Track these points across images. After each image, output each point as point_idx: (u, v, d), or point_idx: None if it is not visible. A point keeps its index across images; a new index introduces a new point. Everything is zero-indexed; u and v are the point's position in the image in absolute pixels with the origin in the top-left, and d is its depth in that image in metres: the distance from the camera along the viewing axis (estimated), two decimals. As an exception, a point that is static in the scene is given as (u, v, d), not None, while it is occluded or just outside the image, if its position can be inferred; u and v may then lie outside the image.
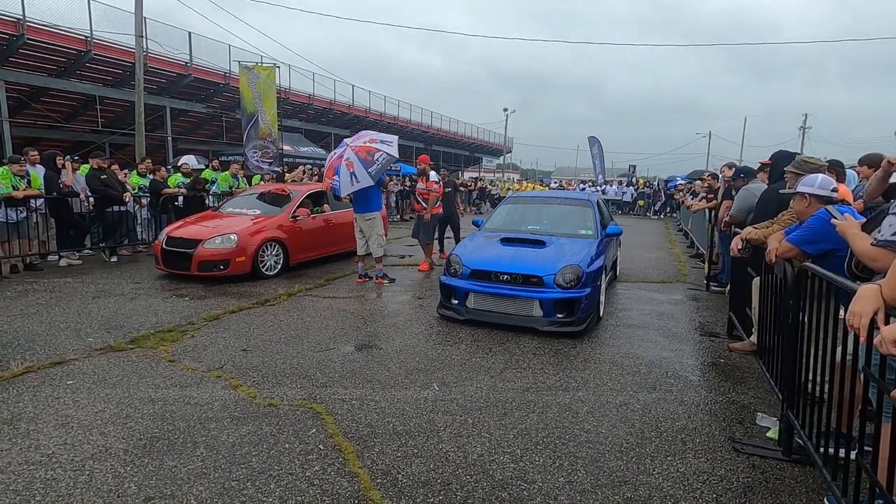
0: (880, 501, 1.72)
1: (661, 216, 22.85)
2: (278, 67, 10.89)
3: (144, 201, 9.05)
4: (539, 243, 5.47)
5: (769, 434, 2.98)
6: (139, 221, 9.11)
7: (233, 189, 10.22)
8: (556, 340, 4.64)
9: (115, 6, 14.92)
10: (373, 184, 6.54)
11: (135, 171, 9.63)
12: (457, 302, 5.13)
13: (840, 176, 4.63)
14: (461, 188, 21.18)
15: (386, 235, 7.86)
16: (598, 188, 26.02)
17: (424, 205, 7.90)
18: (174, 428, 2.90)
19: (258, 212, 7.58)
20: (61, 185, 7.55)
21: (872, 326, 1.57)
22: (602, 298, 5.41)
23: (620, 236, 6.88)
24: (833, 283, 2.16)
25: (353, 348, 4.36)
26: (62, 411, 3.07)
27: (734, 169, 6.57)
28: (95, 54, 14.49)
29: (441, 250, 8.81)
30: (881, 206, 2.54)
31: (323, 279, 7.09)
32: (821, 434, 2.33)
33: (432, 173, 8.02)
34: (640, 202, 24.93)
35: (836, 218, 2.35)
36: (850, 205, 3.81)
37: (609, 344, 4.65)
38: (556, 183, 34.64)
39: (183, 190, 9.19)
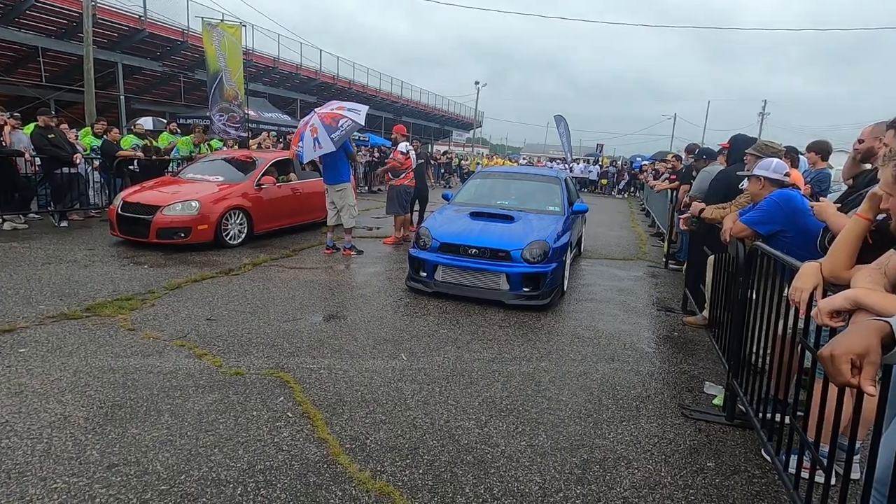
0: (808, 455, 1.91)
1: (626, 195, 23.42)
2: (244, 26, 10.33)
3: (97, 163, 8.56)
4: (507, 218, 5.54)
5: (715, 401, 3.20)
6: (91, 185, 8.63)
7: (193, 154, 9.80)
8: (521, 313, 4.77)
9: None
10: (334, 149, 6.40)
11: (87, 131, 9.07)
12: (425, 275, 5.18)
13: (794, 161, 4.87)
14: (432, 161, 21.00)
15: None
16: (566, 166, 26.34)
17: (393, 177, 7.84)
18: (136, 396, 2.85)
19: (221, 178, 7.32)
20: (1, 143, 7.05)
21: (812, 300, 1.70)
22: (567, 273, 5.57)
23: (586, 214, 7.05)
24: (780, 262, 2.31)
25: (321, 319, 4.36)
26: (15, 380, 2.96)
27: (697, 150, 6.79)
28: (37, 1, 13.35)
29: (413, 223, 8.80)
30: (859, 191, 2.68)
31: (289, 249, 6.97)
32: (760, 401, 2.53)
33: (401, 144, 7.93)
34: (604, 181, 25.43)
35: (812, 203, 2.48)
36: (800, 189, 4.05)
37: (572, 317, 4.82)
38: (524, 159, 34.83)
39: (139, 153, 8.74)
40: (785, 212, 2.85)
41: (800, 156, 5.30)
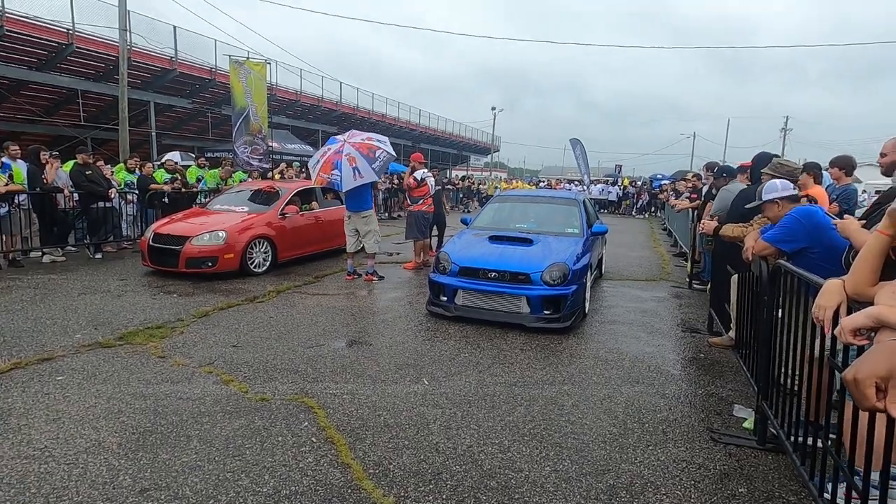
0: (844, 482, 1.84)
1: (646, 215, 23.18)
2: (269, 63, 10.82)
3: (131, 197, 8.95)
4: (526, 241, 5.57)
5: (745, 424, 3.11)
6: (124, 218, 9.01)
7: (220, 186, 10.16)
8: (542, 336, 4.74)
9: (98, -1, 14.66)
10: (376, 179, 6.77)
11: (121, 167, 9.52)
12: (445, 299, 5.21)
13: (817, 178, 4.80)
14: (448, 186, 21.26)
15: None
16: (584, 188, 26.28)
17: (411, 203, 8.01)
18: (167, 422, 2.93)
19: (246, 209, 7.57)
20: (44, 181, 7.46)
21: (837, 318, 1.68)
22: (588, 295, 5.53)
23: (606, 235, 7.02)
24: (804, 280, 2.28)
25: (344, 344, 4.41)
26: (53, 406, 3.07)
27: (717, 168, 6.74)
28: (77, 47, 14.24)
29: (433, 248, 8.90)
30: (883, 207, 2.66)
31: (312, 276, 7.11)
32: (792, 424, 2.46)
33: (417, 172, 8.10)
34: (626, 202, 25.26)
35: (836, 220, 2.47)
36: (825, 206, 3.99)
37: (594, 340, 4.77)
38: (544, 182, 34.89)
39: (168, 187, 9.11)
40: (807, 228, 2.82)
41: (824, 172, 5.22)
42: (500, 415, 3.17)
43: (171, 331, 4.57)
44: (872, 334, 1.37)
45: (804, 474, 2.17)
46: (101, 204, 8.04)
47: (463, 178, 28.04)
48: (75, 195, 7.89)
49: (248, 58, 10.79)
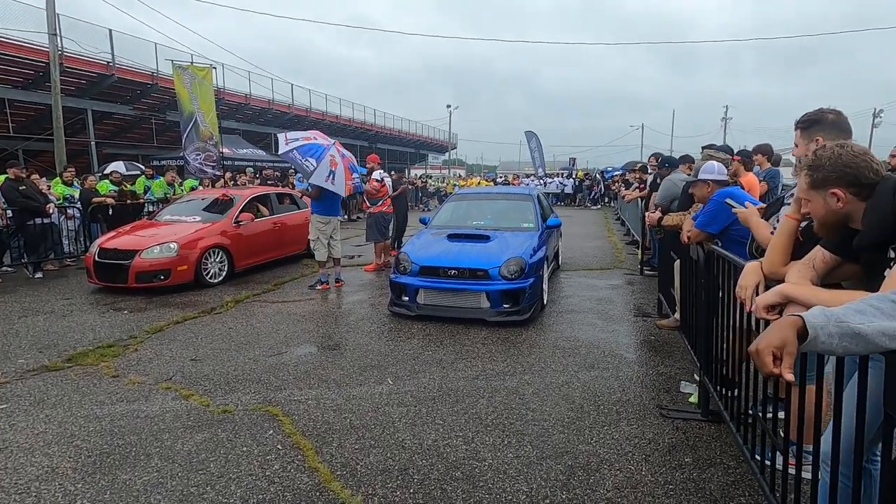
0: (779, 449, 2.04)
1: (600, 206, 23.94)
2: (214, 68, 10.49)
3: (71, 212, 8.50)
4: (484, 238, 5.70)
5: (691, 399, 3.34)
6: (65, 233, 8.54)
7: (168, 196, 9.80)
8: (503, 329, 4.88)
9: (22, 1, 13.77)
10: (342, 196, 6.72)
11: (57, 180, 9.02)
12: (407, 299, 5.27)
13: (748, 165, 5.16)
14: (409, 186, 21.24)
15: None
16: (540, 182, 26.86)
17: (371, 204, 8.00)
18: (125, 442, 2.85)
19: (199, 218, 7.35)
20: (-28, 198, 6.99)
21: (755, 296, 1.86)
22: (545, 287, 5.72)
23: (561, 227, 7.25)
24: (732, 263, 2.48)
25: (306, 350, 4.40)
26: (-2, 436, 2.94)
27: (660, 159, 7.09)
28: (2, 54, 13.34)
29: (394, 248, 8.90)
30: (778, 195, 2.91)
31: (271, 284, 7.00)
32: (727, 397, 2.67)
33: (375, 173, 8.11)
34: (580, 195, 26.01)
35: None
36: (755, 191, 4.30)
37: (552, 329, 4.95)
38: (501, 178, 35.39)
39: (110, 199, 8.70)
40: (725, 208, 3.05)
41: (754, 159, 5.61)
42: (464, 408, 3.27)
43: (124, 349, 4.42)
44: (781, 310, 1.53)
45: (739, 439, 2.38)
46: (38, 220, 7.61)
47: (421, 177, 28.10)
48: (9, 212, 7.43)
49: (192, 63, 10.42)
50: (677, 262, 4.09)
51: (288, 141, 6.57)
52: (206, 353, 4.30)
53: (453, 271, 5.15)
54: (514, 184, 25.60)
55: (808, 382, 1.85)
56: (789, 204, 2.25)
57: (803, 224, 1.86)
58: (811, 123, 2.09)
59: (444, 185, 27.12)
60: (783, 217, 1.93)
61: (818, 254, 1.68)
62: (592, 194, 25.11)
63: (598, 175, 27.28)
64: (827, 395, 1.88)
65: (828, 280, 1.67)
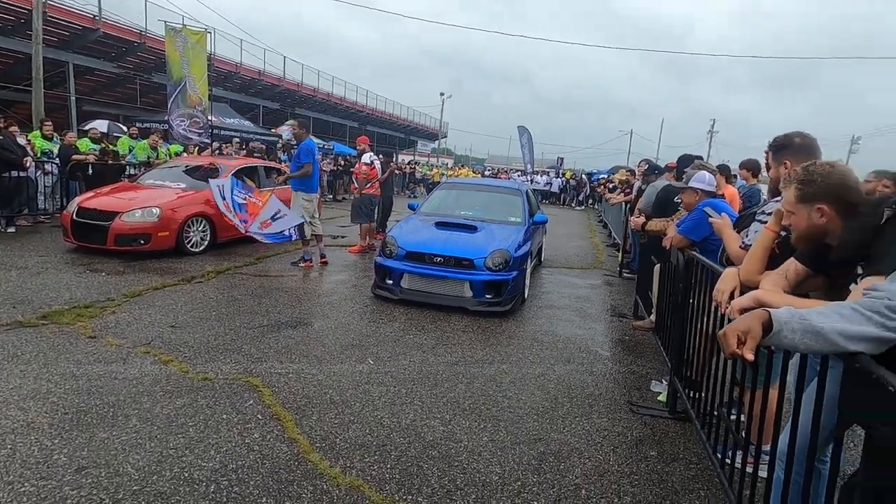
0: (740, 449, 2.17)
1: (585, 207, 24.26)
2: (209, 33, 10.21)
3: (49, 168, 8.25)
4: (471, 228, 5.77)
5: (660, 398, 3.49)
6: (41, 189, 8.30)
7: (151, 160, 9.58)
8: (483, 319, 4.97)
9: (7, -57, 13.13)
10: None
11: (37, 133, 8.72)
12: (391, 282, 5.31)
13: (728, 178, 5.34)
14: (396, 172, 21.16)
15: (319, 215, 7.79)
16: (528, 178, 27.04)
17: (358, 186, 7.99)
18: (103, 402, 2.85)
19: (183, 185, 7.23)
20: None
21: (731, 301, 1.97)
22: (527, 282, 5.83)
23: (546, 225, 7.37)
24: (711, 270, 2.60)
25: (288, 325, 4.41)
26: (-30, 388, 2.90)
27: (647, 166, 7.25)
28: (-18, -4, 12.76)
29: (379, 231, 8.90)
30: (750, 210, 3.04)
31: (253, 257, 6.95)
32: (694, 397, 2.81)
33: (365, 155, 8.08)
34: (566, 195, 26.30)
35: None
36: (735, 204, 4.46)
37: (531, 323, 5.07)
38: (489, 171, 35.47)
39: (92, 156, 8.47)
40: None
41: (735, 174, 5.80)
42: (442, 392, 3.35)
43: (102, 310, 4.36)
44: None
45: (703, 436, 2.51)
46: (13, 173, 7.37)
47: (409, 163, 27.97)
48: (-17, 162, 7.18)
49: (185, 25, 10.12)
50: (657, 267, 4.23)
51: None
52: (186, 321, 4.28)
53: (439, 258, 5.21)
54: (501, 178, 25.72)
55: (771, 385, 1.98)
56: (761, 220, 2.37)
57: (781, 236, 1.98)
58: (780, 148, 2.22)
59: (432, 173, 27.05)
60: (763, 229, 2.04)
61: (791, 265, 1.79)
62: (579, 195, 25.40)
63: (584, 176, 27.59)
64: (786, 402, 2.01)
65: (797, 291, 1.79)
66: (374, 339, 4.21)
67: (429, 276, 5.21)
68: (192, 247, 6.74)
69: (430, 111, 48.88)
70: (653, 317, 4.50)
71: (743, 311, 1.65)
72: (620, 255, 8.28)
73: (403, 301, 5.23)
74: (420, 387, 3.40)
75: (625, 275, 7.69)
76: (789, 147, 2.24)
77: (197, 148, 10.63)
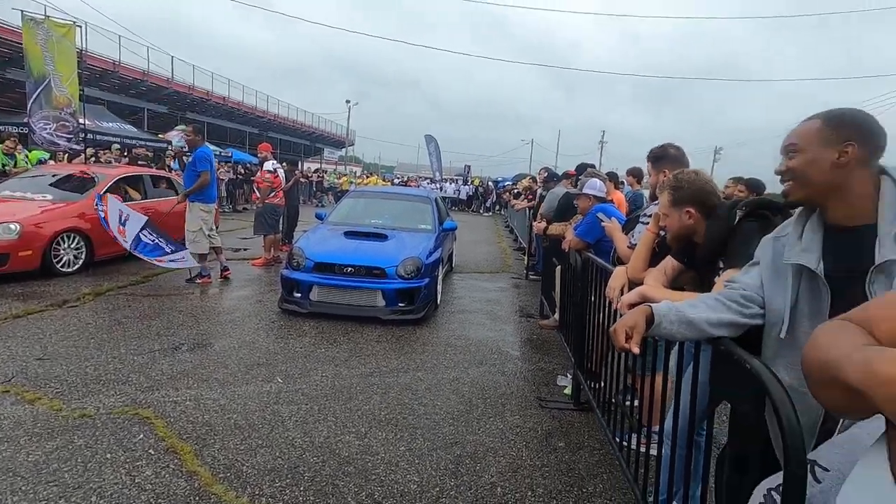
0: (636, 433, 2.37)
1: (492, 213, 25.21)
2: (79, 26, 9.08)
3: None
4: (381, 236, 5.73)
5: (566, 391, 3.71)
6: None
7: (6, 168, 8.31)
8: (397, 328, 4.95)
9: None
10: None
11: None
12: (300, 295, 5.10)
13: (617, 184, 5.86)
14: (302, 180, 20.42)
15: (217, 227, 7.27)
16: (437, 186, 27.50)
17: (261, 196, 7.59)
18: (-54, 456, 2.40)
19: (49, 197, 6.36)
20: None
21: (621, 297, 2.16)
22: (439, 288, 5.91)
23: (456, 231, 7.54)
24: (604, 269, 2.83)
25: (185, 348, 4.05)
26: None
27: (547, 174, 7.73)
28: None
29: (284, 243, 8.51)
30: (636, 213, 3.37)
31: (140, 276, 6.29)
32: (595, 388, 3.04)
33: (267, 163, 7.72)
34: (476, 200, 27.15)
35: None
36: (622, 208, 4.89)
37: (445, 328, 5.14)
38: (399, 179, 35.52)
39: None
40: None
41: (622, 181, 6.38)
42: (357, 405, 3.27)
43: (-57, 346, 3.68)
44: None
45: (603, 422, 2.72)
46: None
47: (316, 171, 27.13)
48: None
49: (47, 17, 8.91)
50: (559, 268, 4.51)
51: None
52: (58, 352, 3.75)
53: (349, 268, 5.10)
54: (411, 186, 25.89)
55: (657, 371, 2.20)
56: (645, 222, 2.64)
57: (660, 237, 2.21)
58: (658, 158, 2.52)
59: (340, 181, 26.51)
60: (644, 230, 2.27)
61: (669, 262, 2.01)
62: (486, 202, 26.33)
63: (490, 184, 28.69)
64: (670, 384, 2.24)
65: (674, 284, 2.01)
66: (282, 357, 4.01)
67: (339, 286, 5.08)
68: (63, 266, 5.94)
69: (337, 118, 47.78)
70: (556, 315, 4.79)
71: (631, 305, 1.82)
72: (526, 258, 8.70)
73: (313, 314, 5.04)
74: (333, 402, 3.29)
75: (531, 277, 8.10)
76: (666, 157, 2.53)
77: (67, 155, 9.41)
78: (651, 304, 1.40)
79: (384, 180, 30.97)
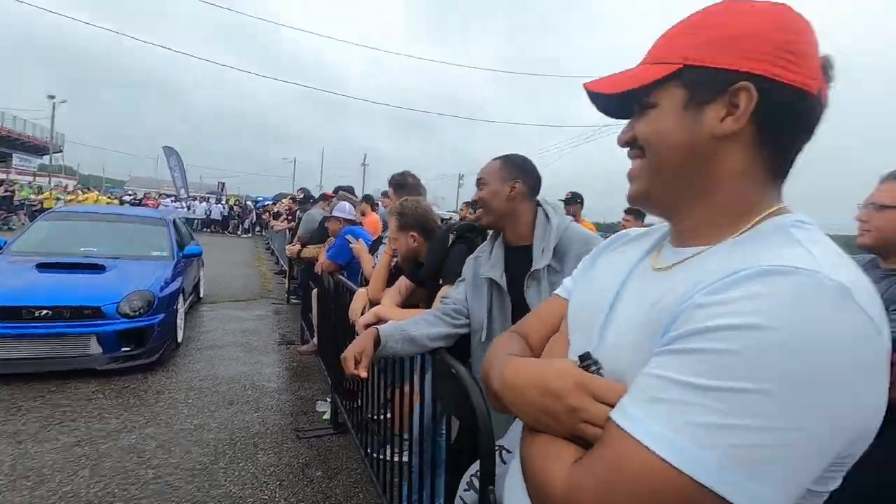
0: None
1: (252, 234, 23.43)
2: None
3: None
4: (97, 267, 4.68)
5: (325, 416, 3.65)
6: None
7: None
8: (122, 377, 4.08)
9: None
10: None
11: None
12: (-40, 354, 3.71)
13: (373, 206, 6.16)
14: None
15: None
16: (183, 205, 24.12)
17: None
18: None
19: None
20: None
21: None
22: (180, 323, 5.14)
23: (202, 256, 6.71)
24: (352, 291, 2.91)
25: None
26: None
27: (302, 196, 7.60)
28: None
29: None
30: (380, 236, 3.59)
31: None
32: (352, 408, 3.08)
33: None
34: (233, 221, 24.78)
35: (352, 243, 3.19)
36: (377, 229, 5.16)
37: (187, 369, 4.48)
38: (131, 195, 29.84)
39: None
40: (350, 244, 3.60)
41: (378, 202, 6.75)
42: (52, 489, 2.54)
43: None
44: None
45: (356, 442, 2.77)
46: None
47: (3, 184, 20.50)
48: None
49: None
50: (315, 291, 4.46)
51: None
52: None
53: (46, 311, 3.98)
54: (150, 206, 21.97)
55: (406, 381, 2.36)
56: (386, 244, 2.84)
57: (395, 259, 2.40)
58: (399, 186, 2.77)
59: (40, 197, 20.73)
60: (382, 252, 2.43)
61: (403, 282, 2.20)
62: (244, 222, 24.33)
63: (249, 203, 26.69)
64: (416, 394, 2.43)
65: (409, 302, 2.21)
66: (-80, 447, 2.83)
67: (32, 335, 3.91)
68: None
69: (33, 117, 37.01)
70: (315, 339, 4.71)
71: (367, 325, 1.91)
72: (287, 281, 8.34)
73: (-15, 378, 3.74)
74: (15, 494, 2.48)
75: (292, 301, 7.79)
76: (405, 186, 2.77)
77: None
78: (378, 327, 1.48)
79: (110, 197, 25.52)
